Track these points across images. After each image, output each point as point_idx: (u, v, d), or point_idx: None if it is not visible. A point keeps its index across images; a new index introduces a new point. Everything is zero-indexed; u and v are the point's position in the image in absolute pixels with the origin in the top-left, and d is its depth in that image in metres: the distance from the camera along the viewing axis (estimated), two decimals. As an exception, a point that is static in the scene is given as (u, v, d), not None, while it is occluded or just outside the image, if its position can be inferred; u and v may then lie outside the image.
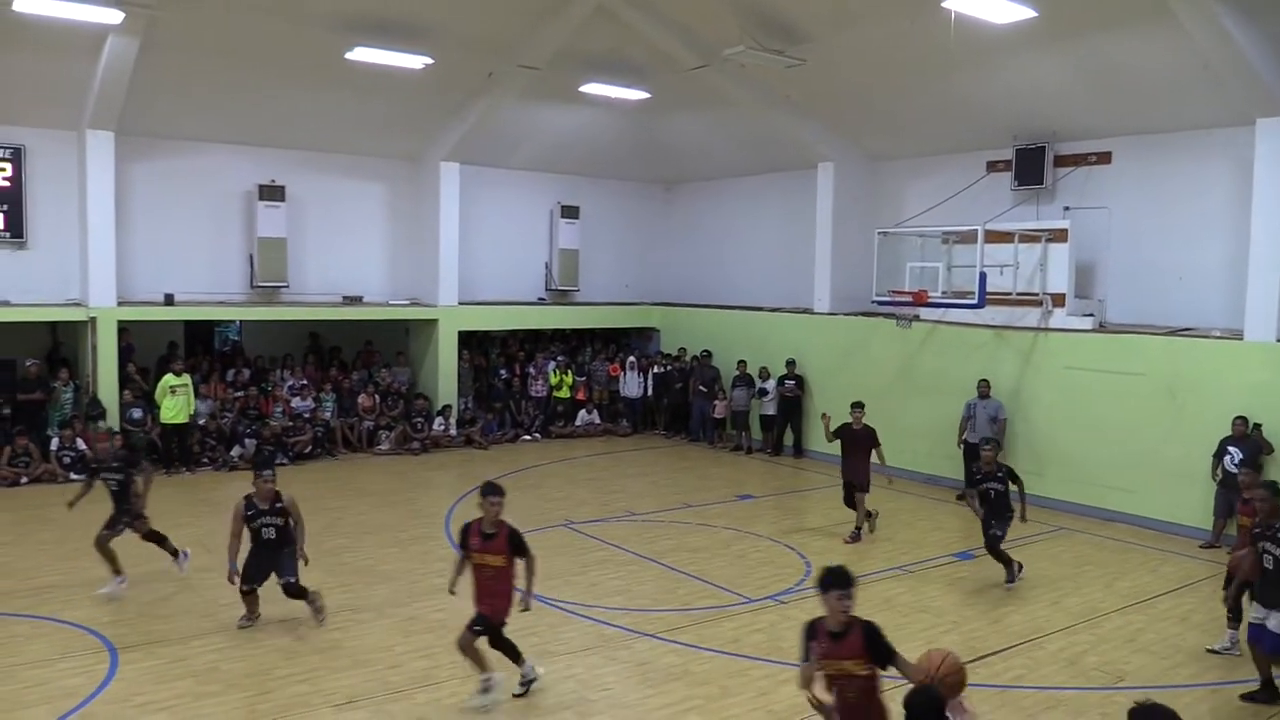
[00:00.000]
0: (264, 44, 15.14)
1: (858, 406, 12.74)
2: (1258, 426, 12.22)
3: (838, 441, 12.76)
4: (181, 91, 15.90)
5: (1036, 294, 14.61)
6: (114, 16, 13.15)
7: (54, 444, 15.31)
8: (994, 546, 10.59)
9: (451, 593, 7.74)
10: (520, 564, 7.56)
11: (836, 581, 5.40)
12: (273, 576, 9.01)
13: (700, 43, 16.05)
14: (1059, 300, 14.52)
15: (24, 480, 14.71)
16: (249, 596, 8.99)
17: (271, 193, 17.69)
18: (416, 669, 8.16)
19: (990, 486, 10.57)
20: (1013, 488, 10.59)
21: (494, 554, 7.46)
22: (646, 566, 11.24)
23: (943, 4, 11.84)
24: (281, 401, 17.60)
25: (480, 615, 7.48)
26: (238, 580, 8.83)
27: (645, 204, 22.87)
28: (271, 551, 8.93)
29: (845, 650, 5.39)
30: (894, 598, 10.28)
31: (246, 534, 8.91)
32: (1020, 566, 10.76)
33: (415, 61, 15.35)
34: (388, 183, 19.65)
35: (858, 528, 12.53)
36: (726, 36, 14.66)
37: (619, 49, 16.87)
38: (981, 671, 8.33)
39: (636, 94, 17.88)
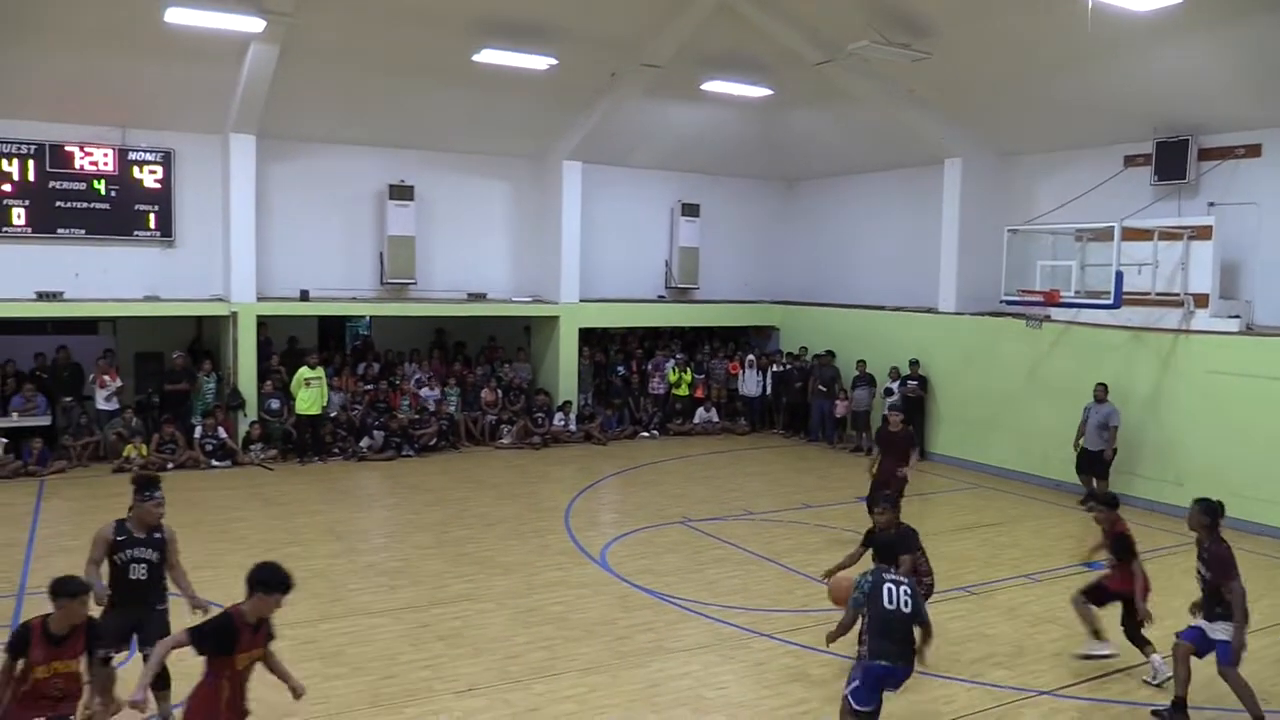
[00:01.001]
0: (395, 48, 15.60)
1: (894, 409, 12.76)
2: None
3: (962, 444, 12.35)
4: (317, 95, 16.54)
5: (1177, 294, 13.93)
6: (256, 25, 13.76)
7: (197, 432, 16.12)
8: None
9: None
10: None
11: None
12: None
13: (823, 38, 15.83)
14: (1202, 301, 13.81)
15: (170, 466, 15.50)
16: (104, 670, 6.28)
17: (401, 192, 18.24)
18: (535, 660, 8.29)
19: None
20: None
21: (68, 659, 5.73)
22: (764, 566, 11.17)
23: (1079, -8, 11.42)
24: (409, 394, 18.12)
25: None
26: (105, 599, 6.71)
27: (766, 202, 22.72)
28: (139, 599, 6.85)
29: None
30: (1020, 607, 9.97)
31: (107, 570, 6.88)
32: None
33: (540, 62, 15.61)
34: (512, 182, 20.02)
35: None
36: (851, 31, 14.44)
37: (741, 46, 16.78)
38: (1114, 688, 8.04)
39: (759, 91, 17.78)
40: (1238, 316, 13.79)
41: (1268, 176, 14.02)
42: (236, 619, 5.48)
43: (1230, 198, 14.32)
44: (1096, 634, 8.59)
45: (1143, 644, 8.35)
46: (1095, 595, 8.58)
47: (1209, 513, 7.78)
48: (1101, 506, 8.76)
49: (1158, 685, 8.06)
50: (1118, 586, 8.45)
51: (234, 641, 5.45)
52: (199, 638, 5.43)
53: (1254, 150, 14.19)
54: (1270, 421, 12.92)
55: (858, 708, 6.32)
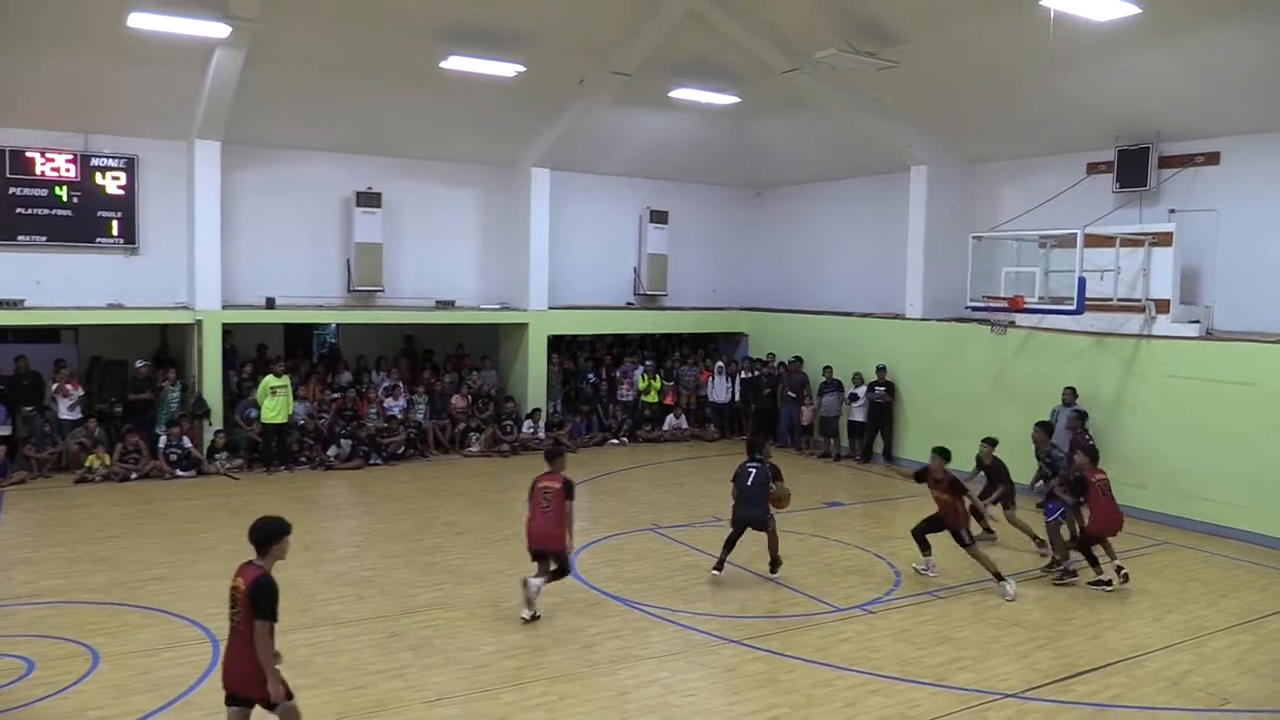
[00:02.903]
0: (362, 54, 15.53)
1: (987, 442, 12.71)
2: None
3: (930, 449, 12.52)
4: (284, 101, 16.42)
5: (1139, 300, 14.14)
6: (221, 31, 13.65)
7: (162, 441, 15.91)
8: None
9: None
10: None
11: None
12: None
13: (791, 46, 15.95)
14: (1163, 306, 14.04)
15: (134, 476, 15.32)
16: None
17: (368, 199, 18.13)
18: (504, 669, 8.26)
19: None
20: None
21: None
22: (733, 572, 11.18)
23: (1041, 2, 11.56)
24: (376, 403, 18.00)
25: None
26: None
27: (735, 208, 22.82)
28: None
29: None
30: (986, 611, 10.06)
31: None
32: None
33: (508, 69, 15.58)
34: (480, 188, 19.97)
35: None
36: (818, 39, 14.55)
37: (709, 54, 16.86)
38: (1078, 689, 8.11)
39: (727, 98, 17.86)
40: (1198, 322, 14.01)
41: (1226, 184, 14.27)
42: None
43: (1190, 205, 14.56)
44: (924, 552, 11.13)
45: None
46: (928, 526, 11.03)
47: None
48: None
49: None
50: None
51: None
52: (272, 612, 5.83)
53: (1213, 158, 14.45)
54: (1230, 425, 13.13)
55: (1049, 520, 11.34)
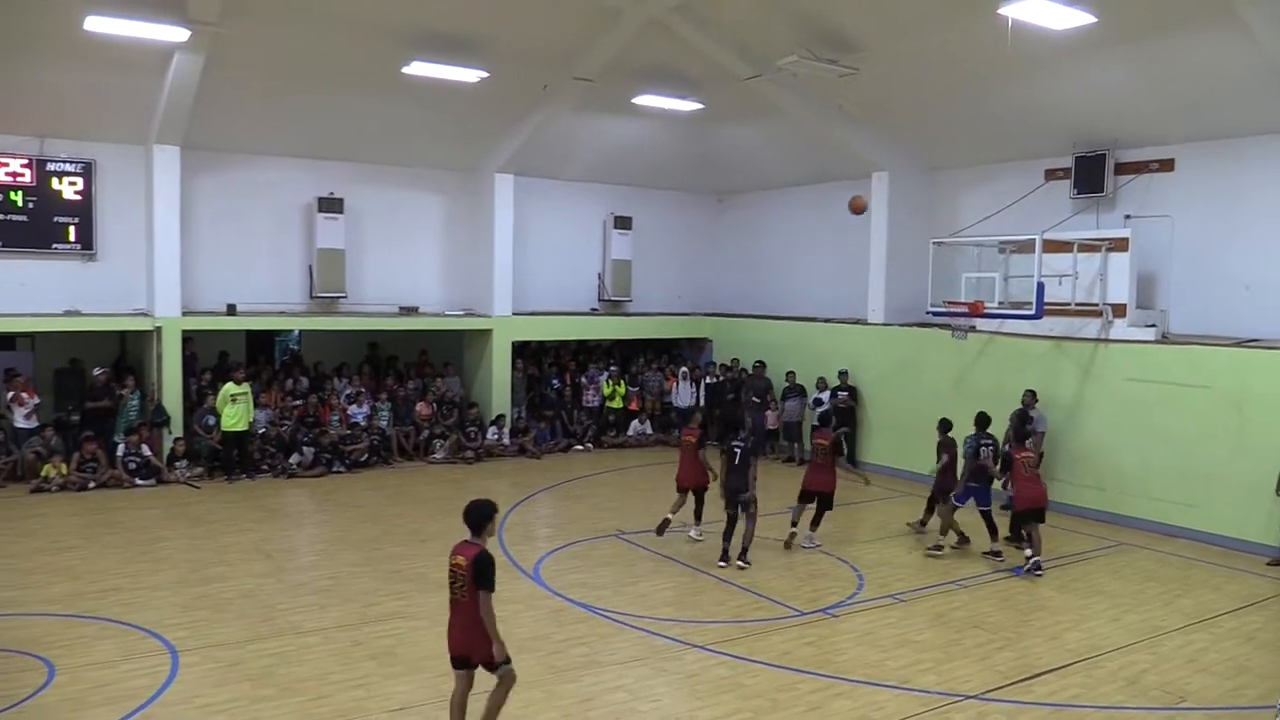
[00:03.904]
0: (324, 59, 15.42)
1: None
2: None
3: (892, 453, 12.83)
4: (244, 106, 16.27)
5: (1096, 304, 14.34)
6: (180, 34, 13.50)
7: (120, 450, 15.67)
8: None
9: None
10: None
11: None
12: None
13: (753, 53, 16.03)
14: (1120, 311, 14.23)
15: (91, 485, 15.08)
16: None
17: (330, 205, 18.00)
18: (468, 677, 8.21)
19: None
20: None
21: None
22: (697, 577, 11.23)
23: (999, 11, 11.72)
24: (338, 410, 17.86)
25: None
26: None
27: (698, 214, 22.89)
28: None
29: None
30: (947, 613, 10.16)
31: None
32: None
33: (471, 75, 15.54)
34: (444, 194, 19.89)
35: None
36: (780, 47, 14.63)
37: (672, 61, 16.91)
38: (1037, 690, 8.21)
39: (690, 105, 17.91)
40: (1154, 325, 14.23)
41: (1180, 190, 14.52)
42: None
43: (1146, 211, 14.79)
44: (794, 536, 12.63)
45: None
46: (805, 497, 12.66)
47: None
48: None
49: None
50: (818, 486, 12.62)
51: None
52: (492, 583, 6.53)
53: (1167, 165, 14.69)
54: (1185, 427, 13.35)
55: (958, 504, 12.43)
